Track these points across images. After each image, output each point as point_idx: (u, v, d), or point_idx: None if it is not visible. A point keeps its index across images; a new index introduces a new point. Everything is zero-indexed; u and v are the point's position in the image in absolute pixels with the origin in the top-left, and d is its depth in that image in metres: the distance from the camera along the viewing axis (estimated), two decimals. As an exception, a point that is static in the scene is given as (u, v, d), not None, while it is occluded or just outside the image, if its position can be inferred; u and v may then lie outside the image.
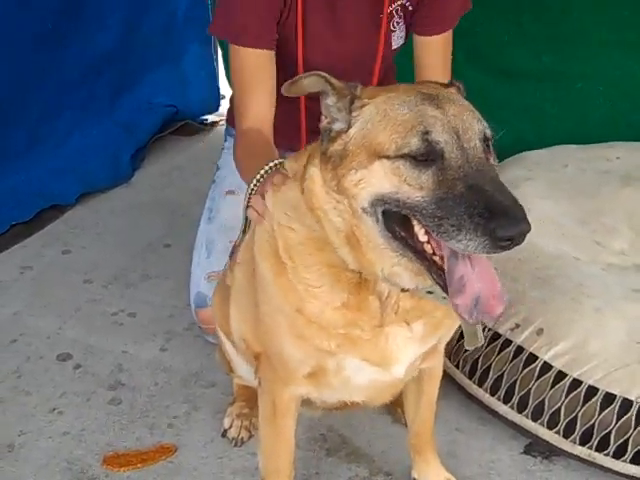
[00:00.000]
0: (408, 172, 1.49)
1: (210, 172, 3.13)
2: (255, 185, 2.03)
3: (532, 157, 3.26)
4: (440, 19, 2.59)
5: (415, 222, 1.51)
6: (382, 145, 1.51)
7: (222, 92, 4.99)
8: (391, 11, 2.57)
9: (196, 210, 3.19)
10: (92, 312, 3.13)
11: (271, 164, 2.02)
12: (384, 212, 1.52)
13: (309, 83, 1.62)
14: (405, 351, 1.78)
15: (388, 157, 1.50)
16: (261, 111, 2.42)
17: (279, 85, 2.58)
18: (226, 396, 2.62)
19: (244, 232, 2.18)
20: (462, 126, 1.51)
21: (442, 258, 1.52)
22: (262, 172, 2.02)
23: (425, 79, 2.40)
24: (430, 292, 1.67)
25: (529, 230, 1.41)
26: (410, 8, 2.58)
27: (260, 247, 1.83)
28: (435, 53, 2.60)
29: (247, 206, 2.08)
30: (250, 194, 2.05)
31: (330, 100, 1.61)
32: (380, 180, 1.51)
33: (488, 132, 1.54)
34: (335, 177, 1.57)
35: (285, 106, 2.62)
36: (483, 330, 2.53)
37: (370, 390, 1.94)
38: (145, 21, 4.42)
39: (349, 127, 1.58)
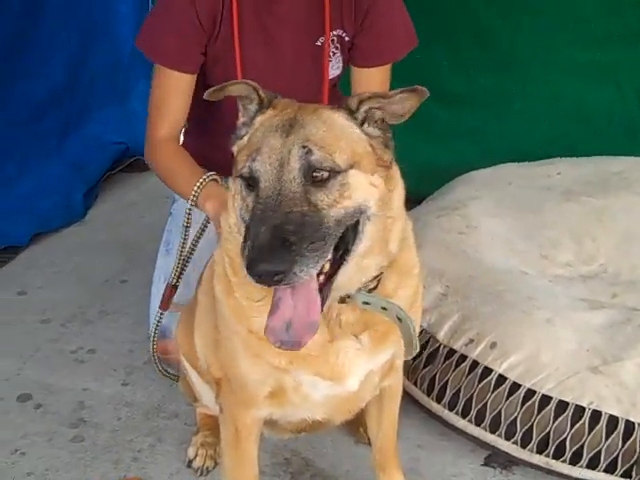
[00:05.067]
0: (243, 192, 1.61)
1: (163, 207, 3.16)
2: (194, 198, 2.30)
3: (477, 177, 3.36)
4: (377, 51, 2.62)
5: None
6: (238, 163, 1.63)
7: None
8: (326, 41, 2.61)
9: (151, 245, 3.22)
10: (51, 351, 3.12)
11: (205, 176, 2.31)
12: None
13: (236, 89, 1.72)
14: (356, 363, 1.82)
15: (237, 175, 1.63)
16: (173, 125, 2.60)
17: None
18: (190, 426, 2.64)
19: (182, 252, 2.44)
20: (288, 158, 1.55)
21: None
22: (197, 185, 2.30)
23: None
24: (367, 303, 1.73)
25: (269, 273, 1.45)
26: (347, 39, 2.63)
27: (216, 270, 1.88)
28: (369, 87, 2.53)
29: (186, 224, 2.36)
30: (190, 209, 2.33)
31: (252, 106, 1.72)
32: (235, 195, 1.66)
33: (322, 164, 1.54)
34: None
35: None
36: (438, 347, 2.61)
37: (329, 406, 1.97)
38: (91, 59, 4.46)
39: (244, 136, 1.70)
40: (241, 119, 1.76)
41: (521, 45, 3.70)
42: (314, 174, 1.54)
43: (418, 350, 1.83)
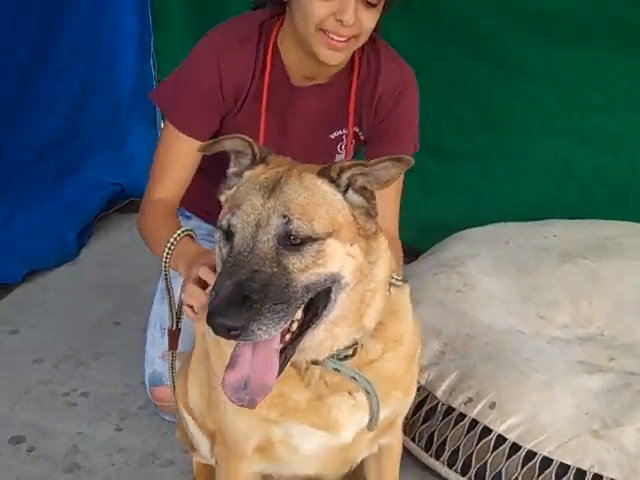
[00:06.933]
0: (221, 243, 1.63)
1: (156, 250, 3.14)
2: (168, 254, 2.14)
3: (475, 234, 3.41)
4: (387, 153, 2.65)
5: None
6: (221, 214, 1.66)
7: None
8: (340, 135, 2.64)
9: (144, 288, 3.22)
10: (43, 393, 3.09)
11: (179, 231, 2.15)
12: None
13: (232, 144, 1.75)
14: (351, 417, 1.82)
15: (217, 226, 1.66)
16: (175, 189, 2.53)
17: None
18: (185, 474, 2.63)
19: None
20: (266, 221, 1.56)
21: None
22: (172, 240, 2.14)
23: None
24: (337, 370, 1.74)
25: (224, 327, 1.47)
26: (362, 137, 2.66)
27: None
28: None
29: (165, 274, 2.19)
30: (165, 263, 2.16)
31: (245, 160, 1.75)
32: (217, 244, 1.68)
33: (299, 232, 1.54)
34: None
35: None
36: (436, 405, 2.62)
37: (320, 459, 1.95)
38: (92, 104, 4.46)
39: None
40: (231, 169, 1.77)
41: (517, 108, 3.77)
42: (290, 237, 1.55)
43: (375, 430, 1.83)
